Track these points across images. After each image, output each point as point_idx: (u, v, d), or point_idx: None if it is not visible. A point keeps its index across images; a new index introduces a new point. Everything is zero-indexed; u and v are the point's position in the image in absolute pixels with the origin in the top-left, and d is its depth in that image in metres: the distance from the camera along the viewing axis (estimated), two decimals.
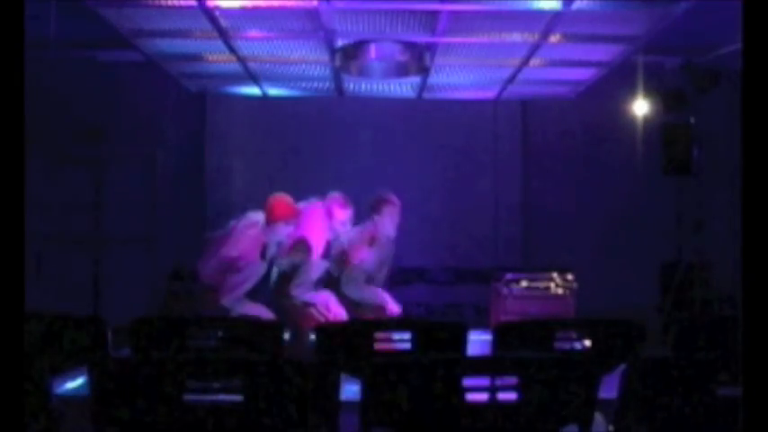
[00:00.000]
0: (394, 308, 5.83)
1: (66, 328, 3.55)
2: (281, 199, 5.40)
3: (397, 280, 6.78)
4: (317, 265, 5.62)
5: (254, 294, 5.33)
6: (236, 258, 5.21)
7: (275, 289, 5.62)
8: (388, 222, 5.92)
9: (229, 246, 5.25)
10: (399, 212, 5.96)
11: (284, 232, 5.36)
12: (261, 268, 5.35)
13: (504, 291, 7.52)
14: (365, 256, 5.85)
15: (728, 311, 7.67)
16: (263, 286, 5.46)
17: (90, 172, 8.98)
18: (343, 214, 5.65)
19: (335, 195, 5.69)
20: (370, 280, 5.92)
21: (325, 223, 5.63)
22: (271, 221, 5.33)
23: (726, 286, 7.90)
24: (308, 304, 5.51)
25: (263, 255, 5.32)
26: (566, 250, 8.77)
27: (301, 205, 5.51)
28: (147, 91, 8.75)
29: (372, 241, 5.89)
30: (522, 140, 9.34)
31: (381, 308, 5.80)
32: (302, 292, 5.49)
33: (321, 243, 5.63)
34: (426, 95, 8.34)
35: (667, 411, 2.56)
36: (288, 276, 5.58)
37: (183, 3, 5.53)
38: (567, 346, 3.66)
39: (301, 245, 5.50)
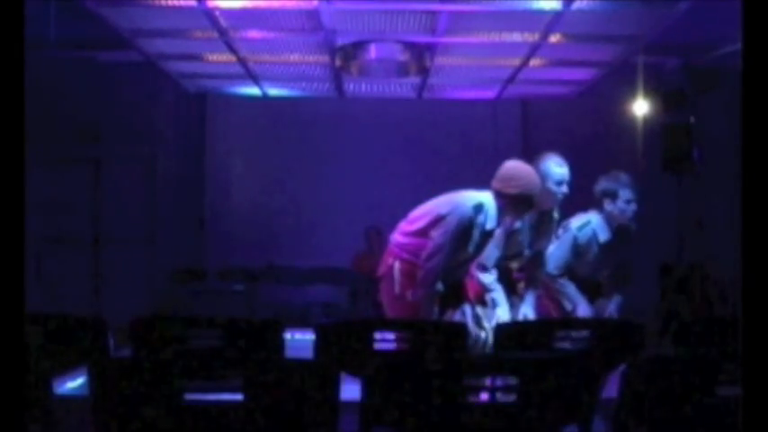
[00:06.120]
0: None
1: (67, 328, 3.54)
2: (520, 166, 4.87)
3: None
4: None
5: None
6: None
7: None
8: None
9: None
10: None
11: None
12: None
13: None
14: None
15: (728, 311, 7.66)
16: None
17: (89, 172, 8.98)
18: (559, 173, 5.08)
19: (551, 154, 5.13)
20: None
21: None
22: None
23: (726, 286, 7.89)
24: None
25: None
26: None
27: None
28: (146, 91, 8.75)
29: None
30: (522, 140, 9.33)
31: None
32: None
33: None
34: (426, 95, 8.34)
35: (667, 411, 2.56)
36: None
37: (182, 3, 5.53)
38: (567, 346, 3.65)
39: None
